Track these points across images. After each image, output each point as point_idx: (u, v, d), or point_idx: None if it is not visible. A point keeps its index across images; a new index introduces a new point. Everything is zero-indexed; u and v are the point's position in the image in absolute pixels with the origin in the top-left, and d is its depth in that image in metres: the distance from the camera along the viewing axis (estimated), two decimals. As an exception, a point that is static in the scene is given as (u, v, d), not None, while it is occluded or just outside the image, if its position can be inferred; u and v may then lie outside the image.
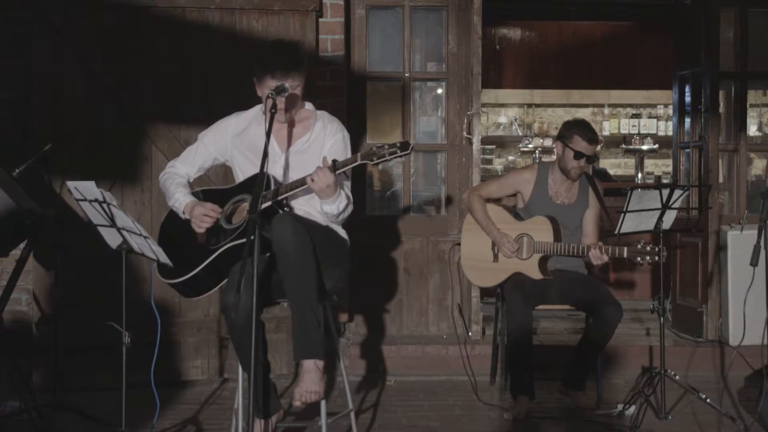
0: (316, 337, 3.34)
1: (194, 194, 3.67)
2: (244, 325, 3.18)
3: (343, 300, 5.27)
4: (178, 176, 3.72)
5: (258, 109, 3.67)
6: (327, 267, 3.46)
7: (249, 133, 3.63)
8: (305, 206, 3.58)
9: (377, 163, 3.30)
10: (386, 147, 3.27)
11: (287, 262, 3.30)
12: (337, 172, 3.33)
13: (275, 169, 3.55)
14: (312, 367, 3.34)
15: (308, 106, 3.71)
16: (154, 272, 3.66)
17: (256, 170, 3.39)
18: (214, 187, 3.84)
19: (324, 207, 3.47)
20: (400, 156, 3.28)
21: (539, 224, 4.50)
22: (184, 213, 3.60)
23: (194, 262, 3.49)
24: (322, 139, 3.61)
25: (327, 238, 3.54)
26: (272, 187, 3.43)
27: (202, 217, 3.51)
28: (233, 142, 3.67)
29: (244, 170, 3.65)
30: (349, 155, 3.62)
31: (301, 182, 3.38)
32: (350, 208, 3.57)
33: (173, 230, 3.68)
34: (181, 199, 3.62)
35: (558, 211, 4.59)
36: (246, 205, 3.46)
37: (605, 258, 4.27)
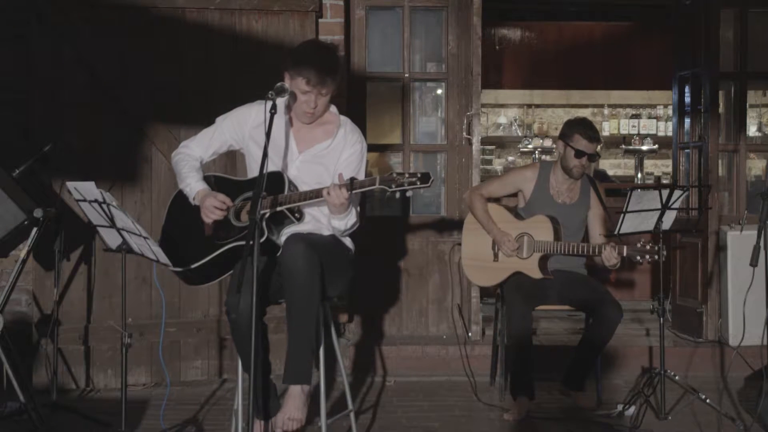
0: (307, 364, 3.36)
1: (206, 178, 3.63)
2: (246, 325, 3.17)
3: (343, 301, 5.26)
4: (191, 158, 3.66)
5: (282, 102, 3.55)
6: (332, 277, 3.46)
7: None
8: (314, 211, 3.56)
9: (394, 191, 3.27)
10: (406, 176, 3.24)
11: (293, 287, 3.31)
12: (353, 191, 3.32)
13: (289, 170, 3.53)
14: (297, 393, 3.34)
15: (332, 109, 3.66)
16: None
17: (270, 166, 3.40)
18: (228, 176, 3.78)
19: (333, 222, 3.48)
20: (419, 187, 3.24)
21: (539, 223, 4.51)
22: (194, 199, 3.57)
23: (199, 252, 3.47)
24: (341, 147, 3.59)
25: (333, 249, 3.54)
26: (286, 190, 3.40)
27: (213, 209, 3.47)
28: (251, 133, 3.60)
29: (256, 162, 3.53)
30: (363, 168, 3.62)
31: (316, 194, 3.36)
32: (358, 224, 3.57)
33: (181, 213, 3.65)
34: (193, 185, 3.58)
35: (559, 210, 4.59)
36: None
37: (617, 257, 4.26)
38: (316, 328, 3.38)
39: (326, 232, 3.58)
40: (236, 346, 3.49)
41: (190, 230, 3.56)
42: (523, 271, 4.52)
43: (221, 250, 3.42)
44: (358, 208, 3.57)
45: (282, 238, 3.49)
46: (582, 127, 4.54)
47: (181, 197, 3.67)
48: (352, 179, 3.32)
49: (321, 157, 3.57)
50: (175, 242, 3.56)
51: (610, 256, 4.27)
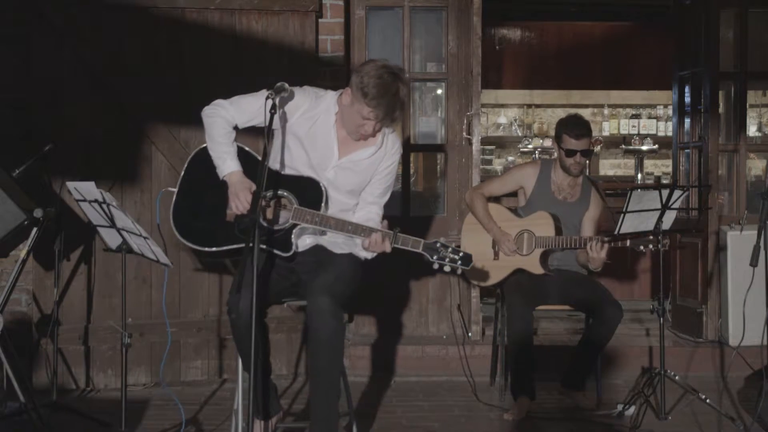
0: (335, 421, 3.36)
1: (238, 150, 3.48)
2: (246, 325, 3.16)
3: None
4: (227, 123, 3.45)
5: (333, 100, 3.47)
6: (343, 284, 3.43)
7: (313, 120, 3.46)
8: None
9: (432, 263, 3.32)
10: (449, 250, 3.30)
11: (319, 344, 3.30)
12: (393, 245, 3.36)
13: (326, 172, 3.46)
14: None
15: None
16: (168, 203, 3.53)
17: (302, 159, 3.41)
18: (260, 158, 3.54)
19: (361, 253, 3.52)
20: (457, 268, 3.32)
21: (540, 219, 4.52)
22: (224, 176, 3.43)
23: (218, 236, 3.43)
24: (382, 156, 3.51)
25: (348, 261, 3.54)
26: (323, 195, 3.35)
27: (245, 202, 3.33)
28: (297, 120, 3.45)
29: (291, 154, 3.46)
30: (393, 179, 3.59)
31: (354, 230, 3.34)
32: None
33: (202, 178, 3.51)
34: (228, 162, 3.42)
35: (559, 207, 4.61)
36: (285, 202, 3.38)
37: (603, 254, 4.25)
38: (338, 382, 3.40)
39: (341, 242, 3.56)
40: (237, 345, 3.47)
41: (210, 204, 3.46)
42: (525, 268, 4.53)
43: (239, 246, 3.34)
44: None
45: (300, 240, 3.48)
46: (567, 127, 4.56)
47: (204, 157, 3.50)
48: (396, 233, 3.33)
49: (360, 164, 3.49)
50: (192, 210, 3.47)
51: (593, 249, 4.25)
